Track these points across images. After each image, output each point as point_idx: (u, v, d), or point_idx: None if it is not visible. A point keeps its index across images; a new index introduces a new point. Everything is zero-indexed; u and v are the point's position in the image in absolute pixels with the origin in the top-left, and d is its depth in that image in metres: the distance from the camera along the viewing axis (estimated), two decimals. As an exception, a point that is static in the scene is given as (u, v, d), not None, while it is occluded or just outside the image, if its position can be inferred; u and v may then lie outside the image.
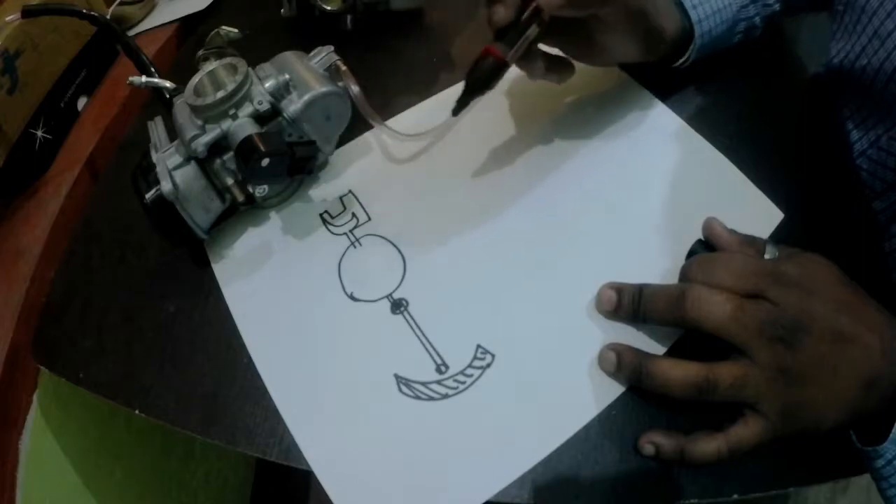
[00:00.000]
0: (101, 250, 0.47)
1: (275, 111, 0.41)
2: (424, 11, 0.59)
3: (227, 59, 0.41)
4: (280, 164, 0.38)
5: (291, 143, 0.40)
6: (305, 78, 0.41)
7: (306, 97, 0.40)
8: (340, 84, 0.44)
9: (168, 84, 0.45)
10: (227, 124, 0.39)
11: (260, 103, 0.39)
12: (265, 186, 0.40)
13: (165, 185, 0.38)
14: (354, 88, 0.44)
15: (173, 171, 0.39)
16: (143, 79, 0.45)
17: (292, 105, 0.40)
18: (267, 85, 0.40)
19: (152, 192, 0.39)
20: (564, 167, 0.44)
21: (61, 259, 0.47)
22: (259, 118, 0.40)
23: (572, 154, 0.45)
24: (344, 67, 0.45)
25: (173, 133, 0.41)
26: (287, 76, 0.41)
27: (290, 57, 0.43)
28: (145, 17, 0.67)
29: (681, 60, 0.45)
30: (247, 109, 0.39)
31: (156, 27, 0.65)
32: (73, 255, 0.47)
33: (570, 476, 0.33)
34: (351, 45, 0.56)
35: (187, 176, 0.39)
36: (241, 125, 0.39)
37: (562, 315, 0.38)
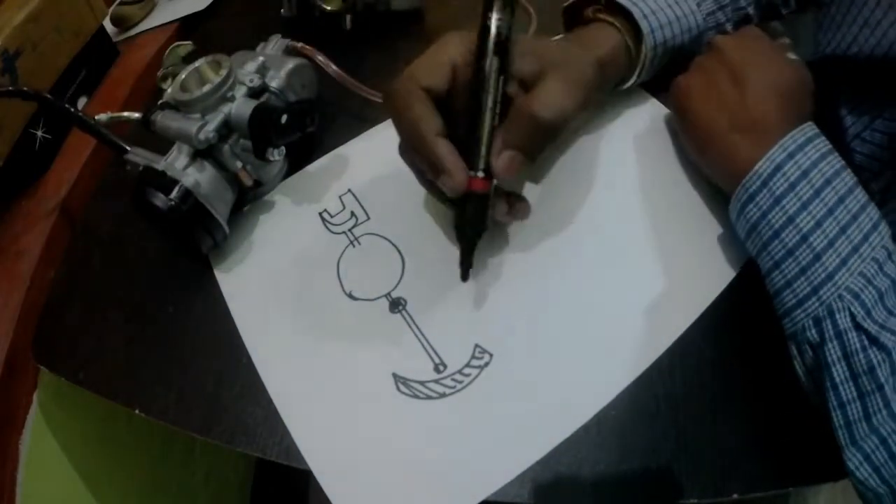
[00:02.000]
0: (101, 250, 0.47)
1: (262, 89, 0.44)
2: (424, 11, 0.59)
3: (210, 57, 0.43)
4: (293, 119, 0.41)
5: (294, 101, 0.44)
6: (277, 57, 0.46)
7: (288, 67, 0.45)
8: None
9: (136, 115, 0.45)
10: (227, 108, 0.41)
11: (251, 80, 0.42)
12: (283, 148, 0.42)
13: (188, 179, 0.39)
14: (320, 58, 0.48)
15: (185, 171, 0.39)
16: (108, 114, 0.46)
17: (275, 80, 0.44)
18: (248, 67, 0.44)
19: (175, 190, 0.38)
20: (566, 169, 0.44)
21: (61, 259, 0.47)
22: (252, 95, 0.43)
23: (575, 157, 0.45)
24: (300, 44, 0.48)
25: (160, 150, 0.41)
26: (261, 58, 0.45)
27: (247, 52, 0.47)
28: (145, 17, 0.67)
29: (632, 78, 0.43)
30: (241, 90, 0.42)
31: (156, 27, 0.65)
32: (73, 255, 0.47)
33: (569, 475, 0.33)
34: (351, 45, 0.56)
35: (201, 169, 0.40)
36: (242, 103, 0.41)
37: (559, 314, 0.38)
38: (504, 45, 0.33)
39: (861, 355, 0.29)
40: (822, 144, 0.34)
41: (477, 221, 0.36)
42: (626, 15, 0.41)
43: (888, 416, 0.28)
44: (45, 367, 0.42)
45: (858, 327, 0.30)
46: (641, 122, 0.46)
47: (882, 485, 0.28)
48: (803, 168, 0.33)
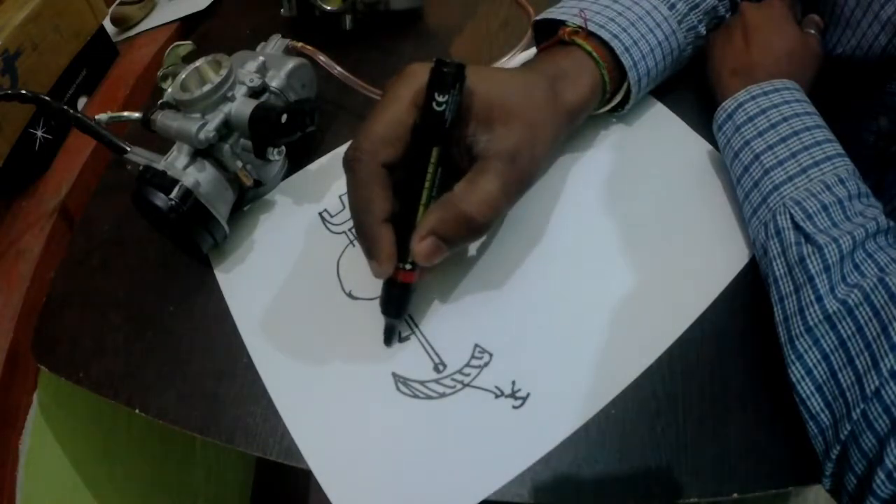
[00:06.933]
0: (101, 250, 0.47)
1: (262, 88, 0.44)
2: (423, 11, 0.59)
3: (210, 56, 0.43)
4: (293, 118, 0.41)
5: (294, 101, 0.45)
6: (277, 57, 0.46)
7: (288, 67, 0.45)
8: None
9: (136, 115, 0.45)
10: (227, 107, 0.41)
11: (252, 80, 0.42)
12: (283, 148, 0.42)
13: (188, 179, 0.39)
14: (322, 57, 0.48)
15: (186, 170, 0.40)
16: (108, 114, 0.46)
17: (275, 79, 0.44)
18: (248, 67, 0.44)
19: (175, 190, 0.38)
20: (564, 170, 0.44)
21: (61, 259, 0.47)
22: (252, 95, 0.43)
23: (574, 159, 0.45)
24: (300, 44, 0.48)
25: (160, 149, 0.41)
26: (261, 58, 0.45)
27: (247, 52, 0.47)
28: (145, 17, 0.67)
29: (603, 109, 0.43)
30: (241, 90, 0.42)
31: (156, 27, 0.65)
32: (73, 255, 0.47)
33: (569, 475, 0.33)
34: (351, 45, 0.56)
35: (201, 169, 0.40)
36: (242, 103, 0.41)
37: (560, 314, 0.38)
38: (447, 132, 0.33)
39: (794, 248, 0.33)
40: (790, 96, 0.38)
41: (398, 307, 0.36)
42: (604, 43, 0.40)
43: (821, 315, 0.31)
44: (45, 367, 0.42)
45: (797, 227, 0.34)
46: (642, 125, 0.46)
47: (825, 410, 0.30)
48: (763, 107, 0.38)
